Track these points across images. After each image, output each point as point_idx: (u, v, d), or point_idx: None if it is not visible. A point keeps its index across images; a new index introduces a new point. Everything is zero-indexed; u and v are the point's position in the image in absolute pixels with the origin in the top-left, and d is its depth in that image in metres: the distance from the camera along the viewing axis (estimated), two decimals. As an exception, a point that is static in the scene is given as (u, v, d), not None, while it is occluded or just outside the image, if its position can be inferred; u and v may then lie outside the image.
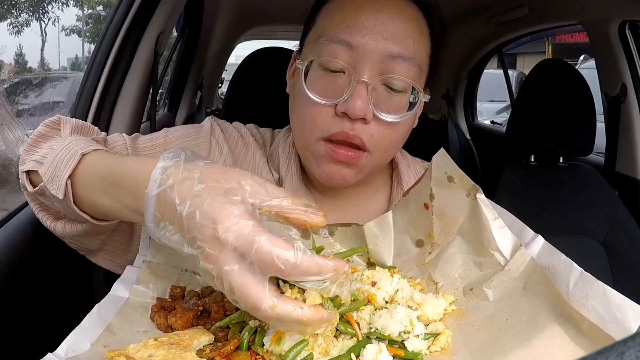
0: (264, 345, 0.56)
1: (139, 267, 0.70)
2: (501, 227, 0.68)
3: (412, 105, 0.77)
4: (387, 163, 0.85)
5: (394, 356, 0.56)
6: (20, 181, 0.74)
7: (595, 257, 1.52)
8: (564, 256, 0.61)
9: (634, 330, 0.50)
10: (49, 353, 0.55)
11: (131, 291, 0.68)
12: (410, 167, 0.92)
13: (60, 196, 0.64)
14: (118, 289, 0.68)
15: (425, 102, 0.79)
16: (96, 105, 1.25)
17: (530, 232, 0.68)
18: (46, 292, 0.86)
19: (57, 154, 0.68)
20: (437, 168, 0.73)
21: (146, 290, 0.69)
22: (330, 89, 0.73)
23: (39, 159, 0.70)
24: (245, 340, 0.57)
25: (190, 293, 0.68)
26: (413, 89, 0.76)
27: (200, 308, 0.65)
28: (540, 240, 0.66)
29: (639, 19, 1.74)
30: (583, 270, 0.57)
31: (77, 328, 0.60)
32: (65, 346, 0.57)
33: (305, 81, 0.75)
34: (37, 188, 0.69)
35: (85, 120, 1.25)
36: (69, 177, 0.64)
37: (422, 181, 0.75)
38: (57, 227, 0.75)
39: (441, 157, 0.73)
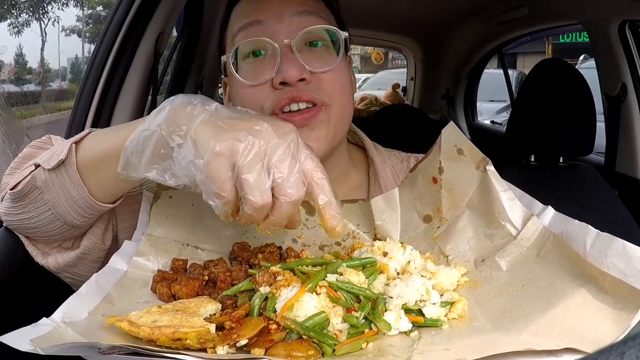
0: (275, 311, 0.55)
1: (138, 241, 0.69)
2: (511, 199, 0.68)
3: (338, 49, 0.78)
4: (349, 117, 0.83)
5: (413, 323, 0.57)
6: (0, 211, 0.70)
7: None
8: (577, 221, 0.60)
9: None
10: (44, 317, 0.53)
11: (130, 264, 0.66)
12: (386, 162, 0.92)
13: (63, 156, 0.62)
14: (116, 262, 0.66)
15: (346, 38, 0.80)
16: (96, 105, 1.25)
17: (539, 204, 0.68)
18: (47, 291, 0.86)
19: (52, 150, 0.66)
20: (446, 141, 0.72)
21: (146, 263, 0.67)
22: (260, 71, 0.76)
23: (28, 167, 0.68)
24: (257, 307, 0.56)
25: (193, 265, 0.67)
26: (332, 39, 0.78)
27: (206, 277, 0.64)
28: (550, 211, 0.66)
29: (639, 19, 1.74)
30: (600, 231, 0.56)
31: (74, 295, 0.58)
32: (61, 312, 0.55)
33: (237, 72, 0.77)
34: (27, 177, 0.66)
35: (85, 120, 1.26)
36: (75, 142, 0.64)
37: (430, 155, 0.74)
38: (49, 262, 0.74)
39: (450, 129, 0.73)
